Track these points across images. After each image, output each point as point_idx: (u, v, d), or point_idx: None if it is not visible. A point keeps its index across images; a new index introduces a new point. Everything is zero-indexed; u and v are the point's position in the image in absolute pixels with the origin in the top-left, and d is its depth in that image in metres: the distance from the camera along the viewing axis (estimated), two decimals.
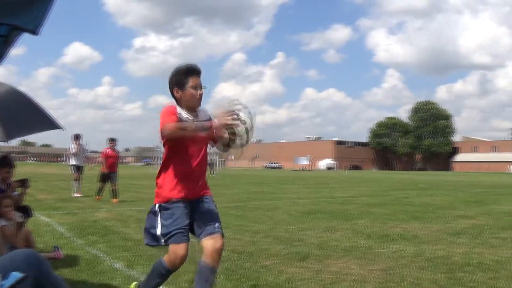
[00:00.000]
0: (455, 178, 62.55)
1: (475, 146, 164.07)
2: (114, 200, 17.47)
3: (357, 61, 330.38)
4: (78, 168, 20.20)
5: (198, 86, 4.52)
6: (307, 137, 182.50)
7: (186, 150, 4.54)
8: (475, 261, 7.72)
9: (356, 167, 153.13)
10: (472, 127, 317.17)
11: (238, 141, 4.38)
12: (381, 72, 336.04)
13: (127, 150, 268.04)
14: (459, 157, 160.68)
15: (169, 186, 4.56)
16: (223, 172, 64.68)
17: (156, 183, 4.67)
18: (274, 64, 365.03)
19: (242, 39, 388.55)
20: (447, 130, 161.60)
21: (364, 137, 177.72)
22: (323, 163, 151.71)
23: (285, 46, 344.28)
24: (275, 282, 6.22)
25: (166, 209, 4.52)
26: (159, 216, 4.53)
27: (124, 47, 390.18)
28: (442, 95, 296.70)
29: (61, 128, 7.02)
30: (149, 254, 7.76)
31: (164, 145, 4.58)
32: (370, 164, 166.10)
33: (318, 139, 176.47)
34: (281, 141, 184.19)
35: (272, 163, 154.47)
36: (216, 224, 4.60)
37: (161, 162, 4.75)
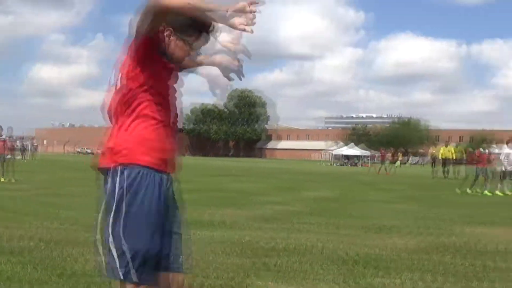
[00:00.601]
0: (269, 165, 64.72)
1: (289, 134, 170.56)
2: None
3: None
4: None
5: (198, 49, 3.39)
6: None
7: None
8: (280, 246, 7.99)
9: None
10: (287, 116, 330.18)
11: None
12: None
13: None
14: (273, 144, 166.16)
15: None
16: (35, 157, 61.69)
17: None
18: (92, 45, 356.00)
19: (63, 19, 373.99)
20: (262, 117, 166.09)
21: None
22: None
23: (105, 28, 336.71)
24: (81, 270, 6.06)
25: None
26: None
27: None
28: (259, 83, 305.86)
29: None
30: None
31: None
32: (184, 150, 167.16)
33: None
34: (95, 126, 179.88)
35: (84, 148, 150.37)
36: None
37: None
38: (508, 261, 7.47)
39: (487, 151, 23.44)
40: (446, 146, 36.44)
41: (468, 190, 21.17)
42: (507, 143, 22.45)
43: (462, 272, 6.71)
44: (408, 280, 6.17)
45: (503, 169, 21.35)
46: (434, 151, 41.00)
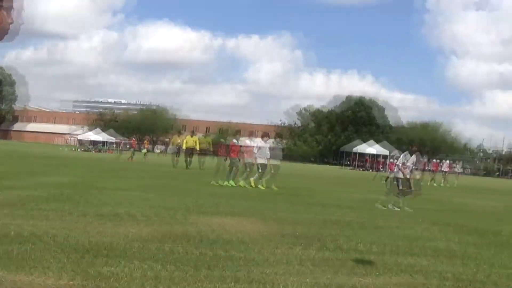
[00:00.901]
0: (13, 147, 62.04)
1: (35, 115, 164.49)
2: None
3: None
4: None
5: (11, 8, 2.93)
6: None
7: None
8: (13, 233, 7.78)
9: None
10: (36, 96, 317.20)
11: None
12: None
13: None
14: (20, 126, 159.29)
15: None
16: None
17: None
18: None
19: None
20: (10, 97, 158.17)
21: None
22: None
23: None
24: None
25: None
26: None
27: None
28: (10, 61, 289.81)
29: None
30: None
31: None
32: None
33: None
34: None
35: None
36: None
37: None
38: (239, 250, 7.92)
39: (240, 142, 24.35)
40: (192, 136, 36.93)
41: (222, 181, 21.77)
42: (262, 137, 23.62)
43: (193, 261, 7.00)
44: (137, 269, 6.31)
45: (256, 161, 22.19)
46: (179, 140, 41.56)
